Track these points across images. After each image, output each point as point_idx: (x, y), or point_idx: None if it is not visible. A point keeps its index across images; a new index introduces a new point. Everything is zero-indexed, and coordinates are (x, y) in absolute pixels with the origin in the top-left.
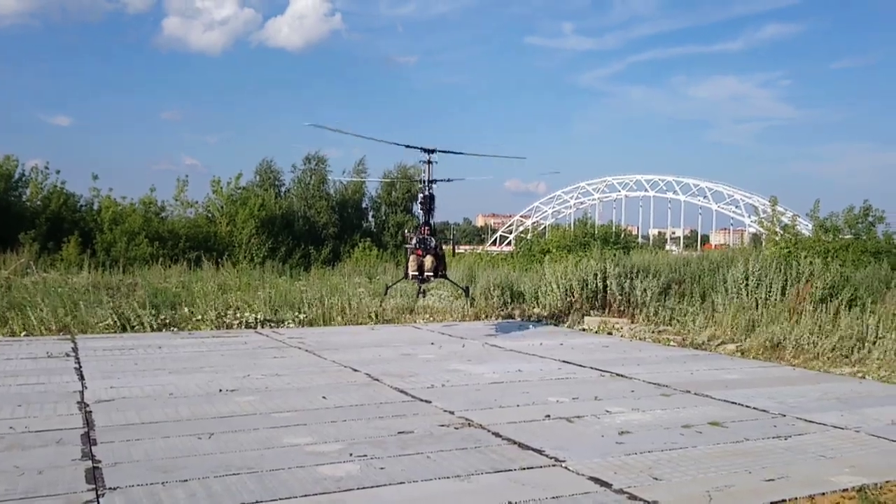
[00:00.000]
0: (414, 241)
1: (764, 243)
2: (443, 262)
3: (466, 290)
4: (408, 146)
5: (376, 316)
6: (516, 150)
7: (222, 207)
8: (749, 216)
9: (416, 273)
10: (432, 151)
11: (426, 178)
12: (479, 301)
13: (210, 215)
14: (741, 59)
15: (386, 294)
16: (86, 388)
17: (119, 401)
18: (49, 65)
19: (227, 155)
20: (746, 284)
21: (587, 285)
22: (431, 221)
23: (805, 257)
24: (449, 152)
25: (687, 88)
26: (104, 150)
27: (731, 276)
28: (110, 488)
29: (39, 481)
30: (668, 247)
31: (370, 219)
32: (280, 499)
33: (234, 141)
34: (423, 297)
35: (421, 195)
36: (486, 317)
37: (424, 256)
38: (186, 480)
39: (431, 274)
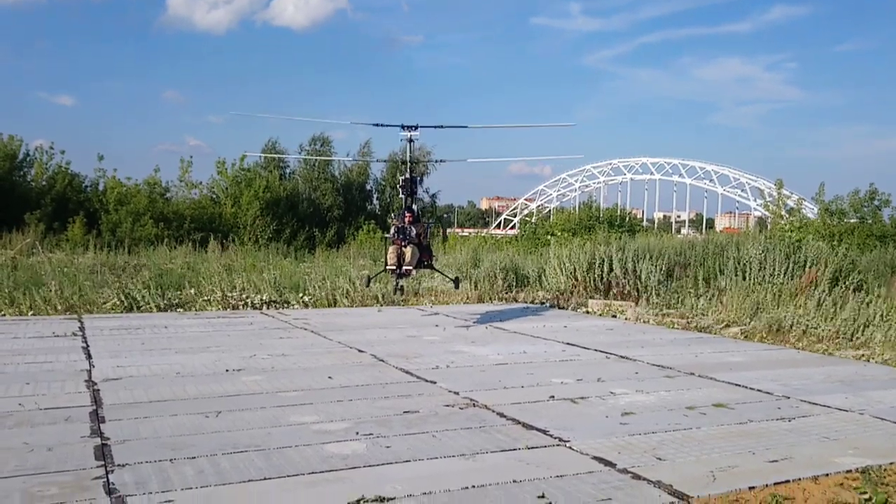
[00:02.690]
0: (393, 230)
1: (769, 227)
2: (428, 251)
3: (456, 282)
4: (379, 125)
5: (381, 298)
6: (519, 133)
7: (227, 189)
8: (755, 200)
9: (394, 267)
10: (413, 128)
11: (407, 159)
12: (483, 284)
13: (215, 196)
14: (748, 40)
15: (368, 285)
16: (93, 366)
17: (126, 379)
18: (53, 44)
19: (232, 136)
20: (751, 268)
21: (591, 268)
22: (414, 207)
23: (813, 240)
24: (439, 127)
25: (693, 70)
26: (107, 130)
27: (736, 259)
28: (119, 465)
29: (49, 458)
30: (683, 230)
31: (375, 201)
32: (287, 476)
33: (238, 122)
34: (402, 293)
35: (402, 178)
36: (490, 299)
37: (405, 247)
38: (194, 458)
39: (411, 267)
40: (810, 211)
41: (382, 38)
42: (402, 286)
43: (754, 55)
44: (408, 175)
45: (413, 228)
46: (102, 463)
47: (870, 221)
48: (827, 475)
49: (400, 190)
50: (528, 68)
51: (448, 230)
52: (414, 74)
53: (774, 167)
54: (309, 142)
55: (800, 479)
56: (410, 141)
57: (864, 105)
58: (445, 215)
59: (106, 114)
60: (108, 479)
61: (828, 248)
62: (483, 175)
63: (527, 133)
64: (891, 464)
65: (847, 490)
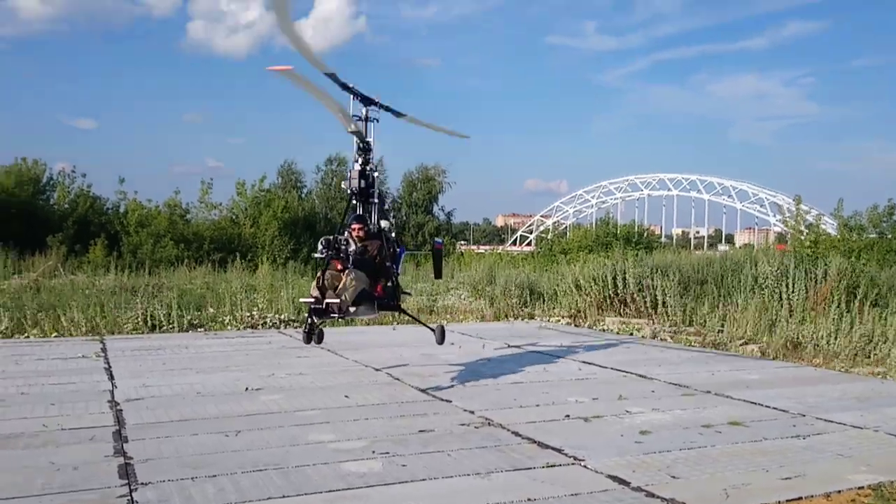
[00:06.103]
0: (321, 244)
1: (788, 243)
2: (392, 283)
3: (439, 334)
4: (333, 79)
5: (396, 317)
6: (533, 149)
7: (246, 209)
8: (774, 215)
9: (312, 300)
10: (372, 102)
11: (361, 146)
12: (498, 301)
13: (234, 217)
14: (764, 57)
15: (309, 340)
16: (116, 387)
17: (148, 399)
18: (75, 69)
19: (250, 157)
20: (767, 284)
21: (607, 286)
22: (372, 216)
23: (832, 256)
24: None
25: (708, 86)
26: (128, 153)
27: (753, 276)
28: (143, 483)
29: (75, 476)
30: (720, 246)
31: (391, 220)
32: (305, 494)
33: (256, 143)
34: (319, 340)
35: (349, 171)
36: (506, 317)
37: (342, 272)
38: (215, 476)
39: (336, 301)
40: (830, 226)
41: (400, 61)
42: (318, 330)
43: (770, 71)
44: (358, 167)
45: (361, 246)
46: (126, 481)
47: (889, 237)
48: (839, 492)
49: (348, 190)
50: (544, 85)
51: (464, 247)
52: (432, 96)
53: (794, 182)
54: (325, 161)
55: (812, 496)
56: (366, 120)
57: (884, 119)
58: (425, 234)
59: (127, 137)
60: (132, 498)
61: (844, 263)
62: (498, 191)
63: (541, 149)
64: None
65: None
